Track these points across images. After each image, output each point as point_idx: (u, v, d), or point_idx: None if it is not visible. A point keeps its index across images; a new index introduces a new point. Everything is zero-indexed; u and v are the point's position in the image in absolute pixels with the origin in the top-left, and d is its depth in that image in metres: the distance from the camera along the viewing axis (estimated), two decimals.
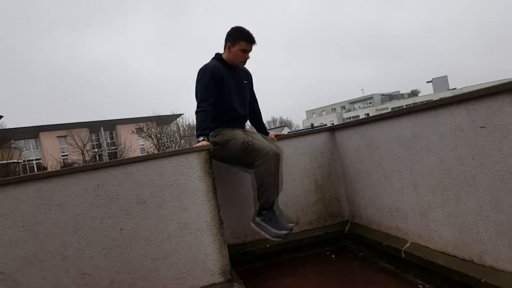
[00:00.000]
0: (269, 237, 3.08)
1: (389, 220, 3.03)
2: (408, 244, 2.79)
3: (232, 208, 3.41)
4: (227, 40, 3.27)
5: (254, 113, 3.60)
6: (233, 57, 3.25)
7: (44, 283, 2.41)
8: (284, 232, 3.09)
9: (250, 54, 3.29)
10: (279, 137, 3.69)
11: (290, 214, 3.64)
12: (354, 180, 3.51)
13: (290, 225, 3.20)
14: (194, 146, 2.88)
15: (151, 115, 43.71)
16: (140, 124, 42.61)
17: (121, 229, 2.51)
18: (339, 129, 3.67)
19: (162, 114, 43.86)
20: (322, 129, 3.80)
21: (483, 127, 2.00)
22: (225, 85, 3.19)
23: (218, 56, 3.33)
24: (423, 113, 2.48)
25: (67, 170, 2.49)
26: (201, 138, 2.97)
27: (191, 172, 2.63)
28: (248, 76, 3.49)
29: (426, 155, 2.48)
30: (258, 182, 3.06)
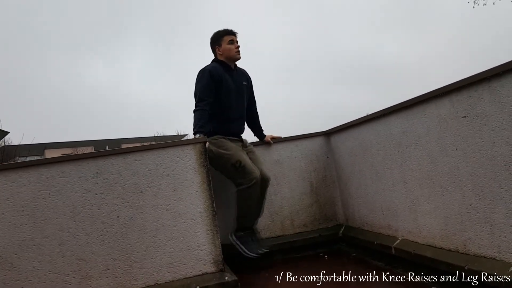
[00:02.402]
0: (242, 253, 3.22)
1: (380, 219, 3.09)
2: (398, 241, 2.84)
3: (226, 211, 3.43)
4: (212, 46, 3.49)
5: (252, 115, 3.70)
6: (226, 53, 3.41)
7: (41, 267, 2.47)
8: (254, 255, 3.22)
9: (238, 43, 3.45)
10: (276, 140, 3.78)
11: (285, 216, 3.71)
12: (348, 182, 3.57)
13: (260, 251, 3.28)
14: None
15: (156, 135, 43.97)
16: (144, 143, 42.68)
17: (117, 216, 2.59)
18: (334, 133, 3.76)
19: (167, 135, 44.09)
20: (317, 134, 3.88)
21: (465, 116, 2.09)
22: (224, 85, 3.31)
23: (215, 59, 3.47)
24: (411, 109, 2.56)
25: (68, 157, 2.58)
26: (198, 135, 3.06)
27: (186, 164, 2.72)
28: (247, 78, 3.61)
29: (415, 150, 2.56)
30: (238, 205, 3.21)
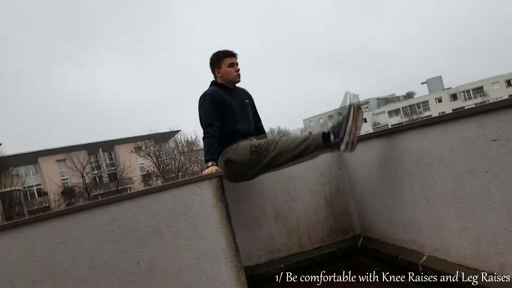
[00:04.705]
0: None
1: (402, 233, 3.03)
2: (424, 258, 2.78)
3: (243, 231, 3.40)
4: (212, 68, 3.37)
5: (259, 133, 3.61)
6: (226, 75, 3.30)
7: None
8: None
9: (239, 66, 3.33)
10: None
11: (302, 232, 3.65)
12: (364, 194, 3.51)
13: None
14: (204, 172, 2.89)
15: (149, 133, 43.81)
16: (138, 143, 42.64)
17: (138, 262, 2.51)
18: None
19: (160, 132, 43.94)
20: None
21: (495, 140, 2.02)
22: (227, 107, 3.22)
23: (214, 82, 3.38)
24: (430, 127, 2.49)
25: (81, 207, 2.49)
26: (210, 164, 2.98)
27: (204, 200, 2.64)
28: (248, 96, 3.53)
29: (437, 169, 2.49)
30: (295, 156, 3.01)
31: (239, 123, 3.29)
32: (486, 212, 2.18)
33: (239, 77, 3.34)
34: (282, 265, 3.53)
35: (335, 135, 2.90)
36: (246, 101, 3.44)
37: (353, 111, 2.82)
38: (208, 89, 3.31)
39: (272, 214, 3.59)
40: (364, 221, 3.62)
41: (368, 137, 3.28)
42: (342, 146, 2.87)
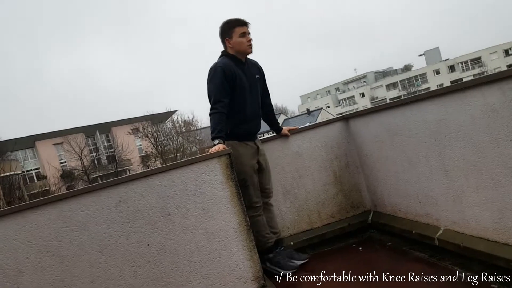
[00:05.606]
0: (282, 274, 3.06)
1: (417, 207, 2.96)
2: (441, 231, 2.71)
3: None
4: (222, 38, 3.16)
5: (267, 109, 3.47)
6: (238, 46, 3.12)
7: None
8: (293, 269, 3.08)
9: (250, 35, 3.17)
10: (293, 131, 3.59)
11: (311, 209, 3.57)
12: (375, 168, 3.42)
13: (298, 262, 3.16)
14: (211, 150, 2.77)
15: (145, 114, 43.54)
16: (135, 124, 42.38)
17: (148, 244, 2.43)
18: (353, 118, 3.58)
19: (156, 113, 43.66)
20: (335, 119, 3.71)
21: None
22: (238, 83, 3.07)
23: (225, 53, 3.20)
24: (447, 96, 2.39)
25: (86, 188, 2.39)
26: (217, 141, 2.86)
27: (213, 179, 2.54)
28: (260, 70, 3.37)
29: (456, 139, 2.39)
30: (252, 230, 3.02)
31: (248, 104, 3.15)
32: (510, 182, 2.09)
33: (251, 47, 3.16)
34: (292, 243, 3.46)
35: (270, 260, 3.11)
36: (257, 76, 3.28)
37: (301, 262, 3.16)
38: (219, 61, 3.13)
39: (280, 192, 3.51)
40: (375, 196, 3.54)
41: (378, 109, 3.18)
42: (265, 264, 3.05)
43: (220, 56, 3.19)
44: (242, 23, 3.11)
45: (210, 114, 3.00)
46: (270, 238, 3.14)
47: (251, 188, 3.04)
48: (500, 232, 2.25)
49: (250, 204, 2.99)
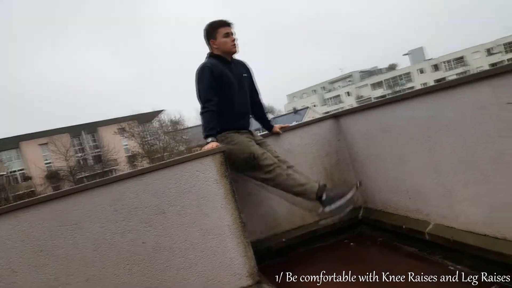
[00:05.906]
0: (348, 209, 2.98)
1: (407, 202, 3.01)
2: (431, 226, 2.77)
3: (244, 207, 3.33)
4: (207, 40, 3.23)
5: (256, 107, 3.50)
6: (223, 46, 3.16)
7: None
8: (349, 195, 2.97)
9: (234, 35, 3.21)
10: (284, 129, 3.62)
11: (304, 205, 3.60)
12: (365, 165, 3.47)
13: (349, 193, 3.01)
14: (204, 148, 2.79)
15: (132, 114, 43.30)
16: (121, 124, 42.12)
17: (143, 242, 2.43)
18: (344, 115, 3.62)
19: (143, 112, 43.45)
20: (326, 117, 3.75)
21: (510, 103, 1.97)
22: (225, 82, 3.11)
23: (211, 54, 3.24)
24: (437, 93, 2.44)
25: (80, 187, 2.39)
26: (210, 139, 2.89)
27: (207, 176, 2.56)
28: (246, 69, 3.40)
29: (445, 135, 2.45)
30: (288, 191, 3.05)
31: (236, 102, 3.18)
32: (501, 176, 2.14)
33: (236, 47, 3.20)
34: (284, 239, 3.49)
35: (329, 200, 2.96)
36: (244, 74, 3.32)
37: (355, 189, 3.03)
38: (206, 61, 3.17)
39: (272, 189, 3.52)
40: (366, 192, 3.59)
41: (368, 107, 3.22)
42: (328, 208, 2.96)
43: (207, 58, 3.23)
44: (225, 24, 3.17)
45: (201, 113, 3.04)
46: (312, 181, 3.05)
47: (262, 155, 3.00)
48: (489, 226, 2.30)
49: (272, 168, 2.97)
